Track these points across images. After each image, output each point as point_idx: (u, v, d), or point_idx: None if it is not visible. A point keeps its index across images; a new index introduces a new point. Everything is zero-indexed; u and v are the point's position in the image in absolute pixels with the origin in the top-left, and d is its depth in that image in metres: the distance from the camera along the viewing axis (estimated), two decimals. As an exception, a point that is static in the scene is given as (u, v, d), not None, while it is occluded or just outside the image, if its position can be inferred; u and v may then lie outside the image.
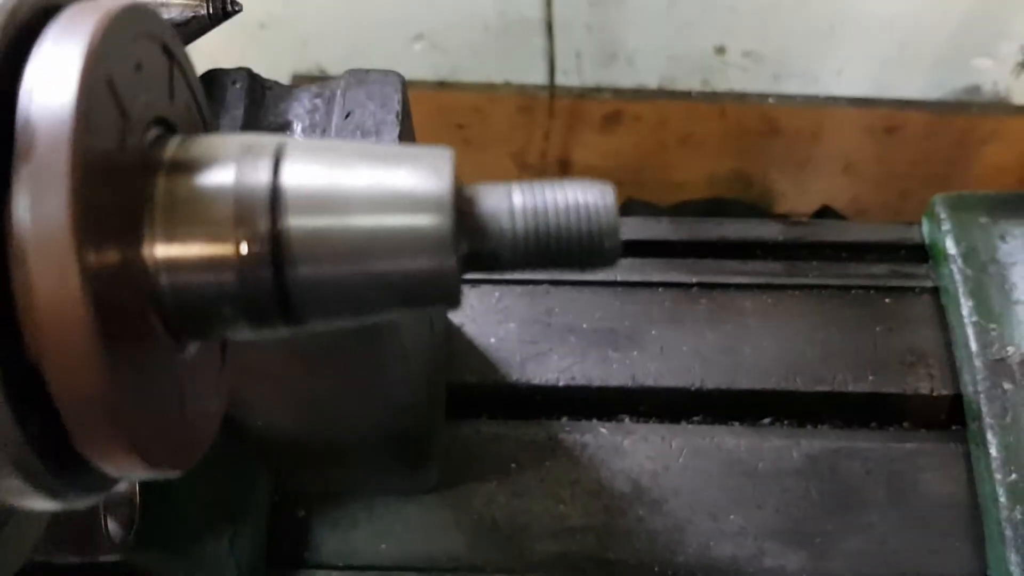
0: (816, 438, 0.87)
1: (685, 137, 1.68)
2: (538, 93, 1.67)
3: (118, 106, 0.32)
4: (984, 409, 0.81)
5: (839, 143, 1.63)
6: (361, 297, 0.34)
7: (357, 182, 0.33)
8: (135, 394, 0.32)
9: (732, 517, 0.84)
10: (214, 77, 0.65)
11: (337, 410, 0.73)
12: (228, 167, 0.34)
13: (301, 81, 1.65)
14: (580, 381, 0.89)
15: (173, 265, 0.33)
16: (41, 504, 0.32)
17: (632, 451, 0.86)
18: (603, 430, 0.87)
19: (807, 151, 1.65)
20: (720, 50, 1.57)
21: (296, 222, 0.33)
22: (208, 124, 0.42)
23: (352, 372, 0.68)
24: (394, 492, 0.83)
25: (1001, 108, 1.57)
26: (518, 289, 0.93)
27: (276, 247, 0.33)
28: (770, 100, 1.61)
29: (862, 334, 0.90)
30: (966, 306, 0.85)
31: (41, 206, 0.28)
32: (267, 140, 0.35)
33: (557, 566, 0.81)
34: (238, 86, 0.65)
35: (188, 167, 0.34)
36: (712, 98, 1.62)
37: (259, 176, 0.33)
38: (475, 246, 0.35)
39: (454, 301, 0.35)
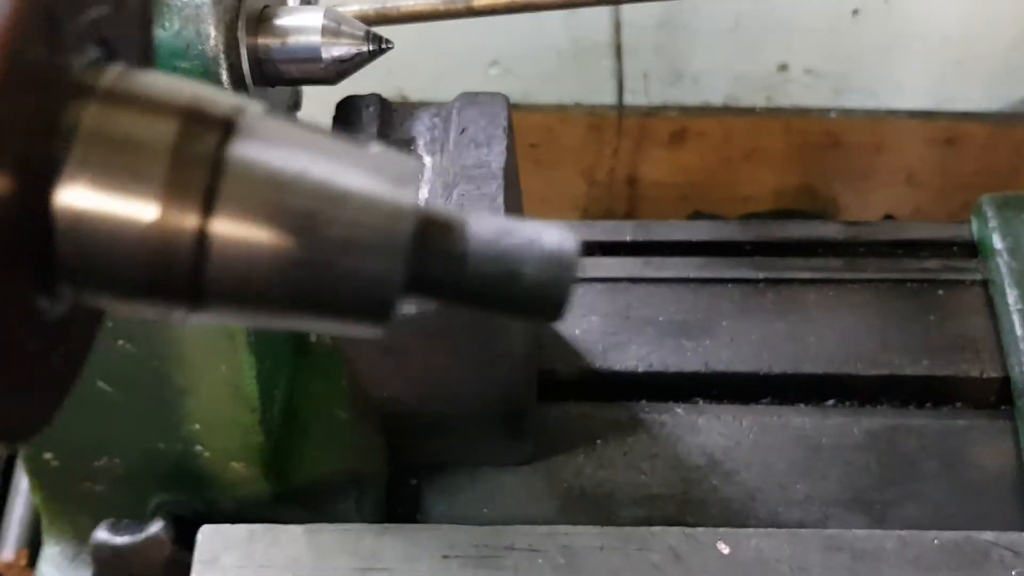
0: (875, 416, 0.99)
1: (750, 152, 1.82)
2: (607, 113, 1.81)
3: (50, 19, 0.29)
4: (1029, 387, 0.93)
5: (900, 155, 1.75)
6: (281, 295, 0.31)
7: (315, 171, 0.31)
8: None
9: (799, 486, 0.96)
10: (351, 102, 0.80)
11: (450, 385, 0.88)
12: (173, 116, 0.30)
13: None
14: (657, 367, 1.02)
15: (79, 212, 0.29)
16: None
17: (706, 429, 1.00)
18: (679, 410, 1.01)
19: (869, 163, 1.77)
20: (783, 67, 1.71)
21: (233, 198, 0.30)
22: (150, 53, 0.38)
23: (464, 349, 0.83)
24: (494, 463, 0.97)
25: (1059, 118, 1.68)
26: (599, 286, 1.07)
27: (205, 219, 0.30)
28: (832, 114, 1.73)
29: (917, 323, 1.02)
30: (1012, 295, 0.98)
31: None
32: (222, 100, 0.32)
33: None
34: (371, 109, 0.80)
35: (125, 102, 0.30)
36: (776, 113, 1.75)
37: (206, 136, 0.30)
38: (422, 270, 0.32)
39: (385, 321, 0.32)
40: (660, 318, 1.05)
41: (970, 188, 1.77)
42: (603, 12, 1.62)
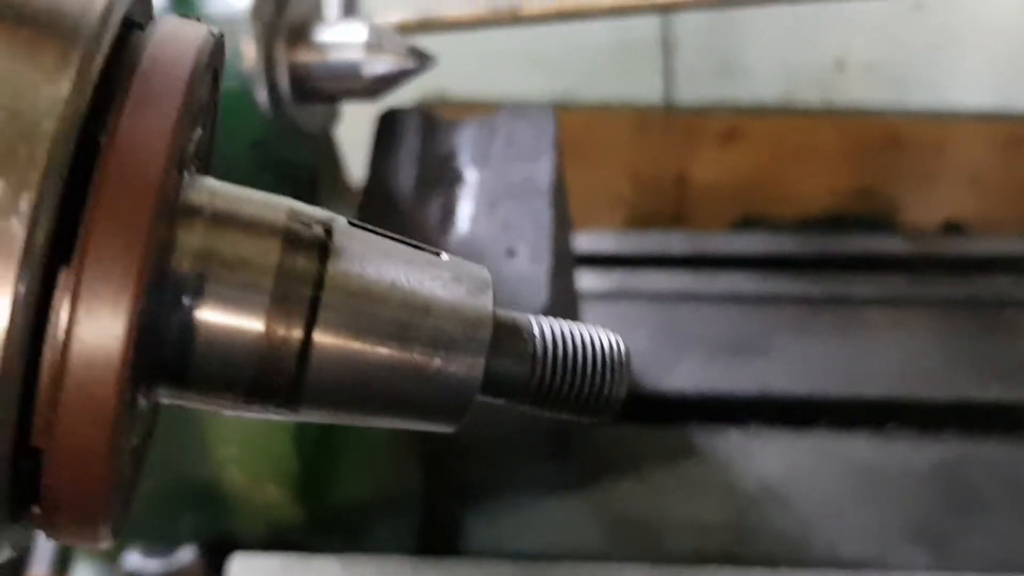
0: (940, 444, 0.95)
1: (804, 152, 1.77)
2: (653, 111, 1.77)
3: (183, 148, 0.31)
4: (1106, 416, 0.89)
5: (963, 156, 1.70)
6: (374, 399, 0.34)
7: (403, 285, 0.33)
8: (119, 477, 0.30)
9: (857, 517, 0.93)
10: (393, 116, 0.78)
11: (490, 409, 0.85)
12: (274, 238, 0.33)
13: (427, 104, 1.80)
14: (709, 389, 0.99)
15: (191, 325, 0.32)
16: None
17: (761, 454, 0.96)
18: (732, 434, 0.98)
19: (930, 165, 1.72)
20: (840, 64, 1.66)
21: (333, 311, 0.32)
22: (211, 156, 0.40)
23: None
24: (537, 487, 0.94)
25: None
26: (646, 301, 1.04)
27: (307, 334, 0.32)
28: (891, 114, 1.68)
29: (985, 345, 0.98)
30: (1087, 317, 0.94)
31: (98, 270, 0.27)
32: (317, 213, 0.34)
33: (690, 559, 0.92)
34: (413, 122, 0.78)
35: (231, 223, 0.33)
36: (832, 112, 1.71)
37: (305, 257, 0.32)
38: (498, 371, 0.35)
39: (460, 420, 0.36)
40: (711, 336, 1.02)
41: (1037, 192, 1.72)
42: (651, 6, 1.58)
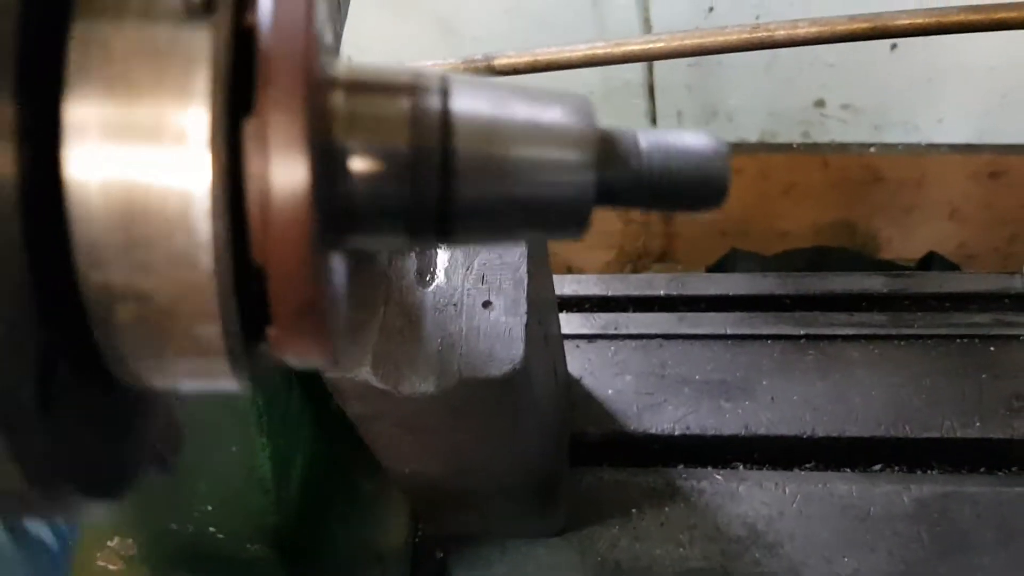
0: (926, 483, 0.93)
1: (787, 188, 1.76)
2: (640, 151, 1.76)
3: (319, 34, 0.36)
4: (1090, 453, 0.87)
5: (943, 189, 1.69)
6: (511, 215, 0.38)
7: (515, 115, 0.38)
8: (331, 297, 0.36)
9: (846, 560, 0.91)
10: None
11: (477, 458, 0.83)
12: (402, 94, 0.38)
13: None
14: (695, 430, 0.97)
15: (355, 176, 0.37)
16: (224, 386, 0.37)
17: (747, 497, 0.94)
18: (718, 477, 0.96)
19: (911, 198, 1.71)
20: (819, 103, 1.65)
21: (463, 144, 0.37)
22: (340, 36, 0.47)
23: (491, 423, 0.78)
24: (525, 535, 0.92)
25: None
26: (632, 343, 1.03)
27: (445, 169, 0.37)
28: (871, 150, 1.68)
29: (967, 381, 0.96)
30: (1069, 353, 0.92)
31: (281, 128, 0.32)
32: (432, 71, 0.40)
33: (679, 605, 0.89)
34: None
35: (366, 89, 0.38)
36: (813, 149, 1.70)
37: (432, 102, 0.38)
38: (609, 180, 0.39)
39: (583, 228, 0.40)
40: (696, 377, 1.00)
41: (1017, 222, 1.71)
42: (656, 41, 1.58)
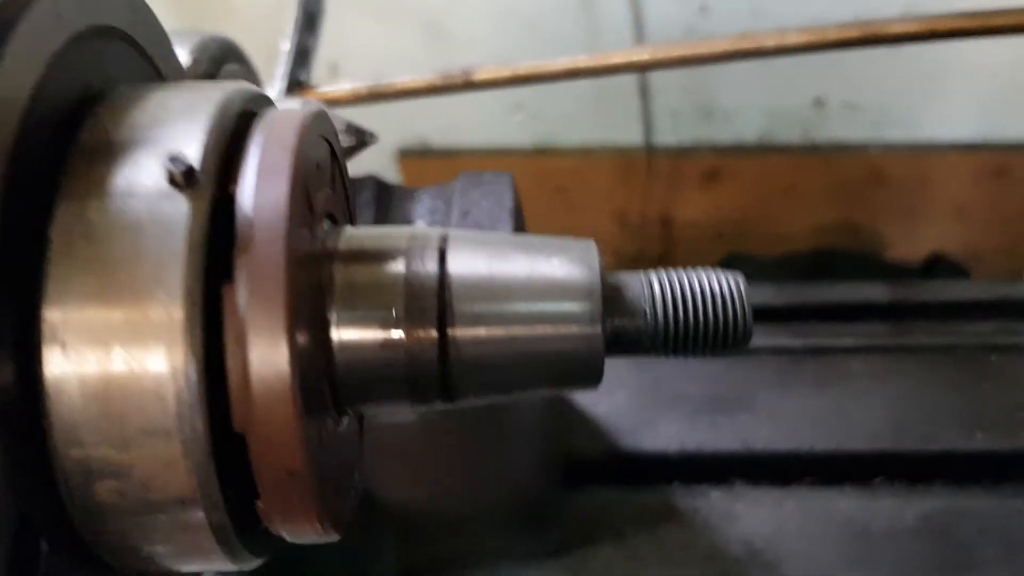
0: (928, 497, 0.91)
1: (787, 189, 1.74)
2: (635, 153, 1.74)
3: (309, 204, 0.37)
4: (1096, 466, 0.84)
5: (947, 189, 1.67)
6: (515, 377, 0.38)
7: (515, 271, 0.37)
8: (320, 465, 0.35)
9: (846, 578, 0.88)
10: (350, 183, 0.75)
11: (464, 483, 0.81)
12: (398, 258, 0.38)
13: (406, 154, 1.77)
14: (691, 447, 0.95)
15: (350, 346, 0.36)
16: (219, 565, 0.36)
17: (745, 515, 0.92)
18: (715, 495, 0.93)
19: (914, 198, 1.69)
20: (819, 102, 1.63)
21: (461, 307, 0.37)
22: (354, 215, 0.45)
23: (478, 448, 0.77)
24: (516, 557, 0.90)
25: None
26: (626, 360, 1.00)
27: (443, 333, 0.37)
28: (873, 149, 1.65)
29: (970, 393, 0.94)
30: (1073, 363, 0.90)
31: (260, 292, 0.32)
32: (432, 232, 0.39)
33: (675, 628, 0.88)
34: (368, 192, 0.74)
35: (362, 257, 0.38)
36: (813, 150, 1.68)
37: (427, 267, 0.37)
38: (619, 331, 0.38)
39: (597, 381, 0.39)
40: (692, 393, 0.98)
41: (1022, 221, 1.68)
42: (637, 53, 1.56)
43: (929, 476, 0.92)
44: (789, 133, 1.69)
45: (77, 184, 0.34)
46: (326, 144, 0.41)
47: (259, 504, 0.35)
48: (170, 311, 0.32)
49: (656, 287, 0.39)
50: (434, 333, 0.37)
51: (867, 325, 1.00)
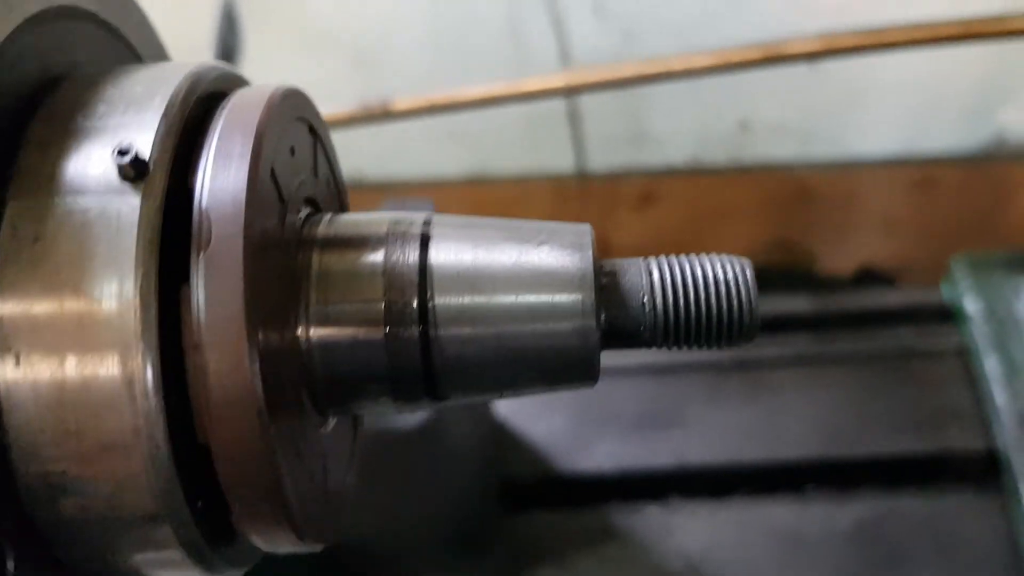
0: (859, 501, 0.95)
1: (720, 210, 1.79)
2: (569, 180, 1.78)
3: (278, 192, 0.35)
4: (1015, 461, 0.89)
5: (874, 202, 1.72)
6: (504, 373, 0.36)
7: (502, 260, 0.35)
8: (291, 471, 0.33)
9: (783, 585, 0.92)
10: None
11: (402, 512, 0.83)
12: (378, 247, 0.36)
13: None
14: (627, 465, 0.98)
15: (326, 344, 0.35)
16: None
17: (682, 528, 0.95)
18: (653, 510, 0.96)
19: (842, 213, 1.74)
20: (744, 125, 1.68)
21: (443, 300, 0.35)
22: (344, 197, 0.43)
23: (414, 476, 0.79)
24: (458, 584, 0.92)
25: (1031, 154, 1.65)
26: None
27: (424, 327, 0.35)
28: (800, 168, 1.71)
29: (894, 398, 0.98)
30: (989, 362, 0.94)
31: (217, 294, 0.31)
32: (414, 217, 0.37)
33: (618, 645, 0.90)
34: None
35: (339, 245, 0.36)
36: (742, 171, 1.73)
37: (408, 257, 0.35)
38: (615, 323, 0.36)
39: (593, 377, 0.37)
40: (626, 411, 1.01)
41: (948, 232, 1.74)
42: (553, 80, 1.60)
43: (859, 481, 0.96)
44: (716, 155, 1.74)
45: (27, 181, 0.32)
46: (304, 126, 0.38)
47: (232, 515, 0.33)
48: (123, 316, 0.30)
49: (655, 275, 0.36)
50: (415, 331, 0.35)
51: (792, 336, 1.04)
